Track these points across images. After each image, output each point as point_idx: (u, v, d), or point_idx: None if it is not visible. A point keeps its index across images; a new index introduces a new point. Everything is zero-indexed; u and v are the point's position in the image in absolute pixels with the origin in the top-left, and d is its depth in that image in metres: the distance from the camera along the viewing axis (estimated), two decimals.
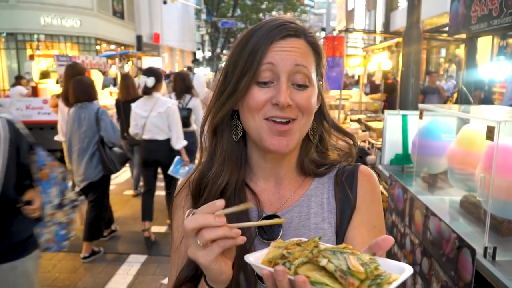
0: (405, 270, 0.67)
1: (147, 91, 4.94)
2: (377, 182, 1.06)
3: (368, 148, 5.66)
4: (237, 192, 1.00)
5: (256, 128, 0.95)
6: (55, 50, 20.70)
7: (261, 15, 34.80)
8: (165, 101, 5.02)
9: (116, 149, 4.64)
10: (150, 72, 5.03)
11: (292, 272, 0.68)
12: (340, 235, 0.99)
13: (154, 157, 4.98)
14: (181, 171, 4.93)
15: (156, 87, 4.95)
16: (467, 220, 2.73)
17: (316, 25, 60.89)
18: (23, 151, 2.28)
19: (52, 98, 6.53)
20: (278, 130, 0.92)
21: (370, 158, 5.17)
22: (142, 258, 4.60)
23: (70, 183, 6.40)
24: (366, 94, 10.29)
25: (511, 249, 2.35)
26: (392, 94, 9.96)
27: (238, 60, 0.94)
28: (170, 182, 5.07)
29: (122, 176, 8.04)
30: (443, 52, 16.15)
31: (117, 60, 15.72)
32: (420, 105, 3.42)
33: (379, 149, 4.62)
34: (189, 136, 5.43)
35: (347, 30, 12.24)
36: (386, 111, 4.36)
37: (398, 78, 6.38)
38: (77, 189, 4.61)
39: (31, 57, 12.88)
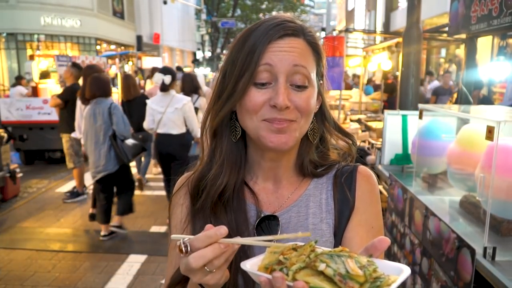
0: (403, 271, 0.67)
1: (165, 88, 5.21)
2: (376, 183, 1.05)
3: (368, 148, 5.65)
4: (235, 194, 0.99)
5: (254, 128, 0.94)
6: (55, 50, 20.69)
7: (261, 15, 34.76)
8: (180, 98, 5.35)
9: (129, 141, 4.97)
10: (166, 70, 5.37)
11: (290, 278, 0.67)
12: (338, 236, 0.99)
13: (167, 150, 5.24)
14: None
15: (171, 84, 5.25)
16: (467, 220, 2.73)
17: (316, 25, 60.83)
18: None
19: (53, 98, 6.52)
20: (276, 128, 0.91)
21: (370, 158, 5.17)
22: (142, 258, 4.60)
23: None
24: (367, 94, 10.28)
25: (511, 249, 2.35)
26: (392, 94, 9.96)
27: (236, 60, 0.93)
28: (170, 181, 5.16)
29: None
30: (443, 52, 16.15)
31: (117, 60, 15.72)
32: (420, 105, 3.42)
33: (379, 149, 4.62)
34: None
35: (347, 30, 12.23)
36: (386, 111, 4.36)
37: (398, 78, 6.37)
38: (91, 181, 5.18)
39: (31, 57, 12.88)
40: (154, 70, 8.83)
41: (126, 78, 6.66)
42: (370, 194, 1.02)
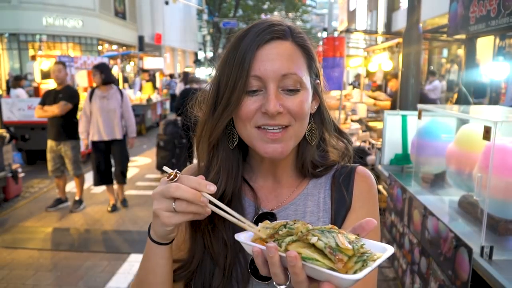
0: (387, 250, 0.72)
1: None
2: (374, 183, 1.06)
3: (369, 149, 5.67)
4: (233, 202, 1.00)
5: (248, 136, 0.95)
6: (57, 51, 20.73)
7: (263, 15, 34.76)
8: None
9: None
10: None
11: (283, 249, 0.70)
12: None
13: None
14: None
15: None
16: (466, 220, 2.74)
17: (318, 26, 60.81)
18: None
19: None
20: (270, 138, 0.92)
21: (370, 158, 5.18)
22: None
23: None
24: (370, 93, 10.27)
25: (508, 248, 2.36)
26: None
27: (228, 70, 0.93)
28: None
29: None
30: (445, 52, 16.12)
31: (119, 60, 15.72)
32: (419, 105, 3.43)
33: (379, 149, 4.63)
34: None
35: (348, 31, 12.24)
36: (386, 111, 4.37)
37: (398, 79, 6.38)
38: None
39: (33, 58, 12.90)
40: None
41: None
42: (367, 194, 1.03)
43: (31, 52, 20.14)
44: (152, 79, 16.12)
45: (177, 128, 7.63)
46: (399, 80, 5.86)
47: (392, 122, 4.22)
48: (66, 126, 5.92)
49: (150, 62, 18.10)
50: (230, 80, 0.92)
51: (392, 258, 3.71)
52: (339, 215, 1.00)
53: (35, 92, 9.61)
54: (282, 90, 0.91)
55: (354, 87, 12.12)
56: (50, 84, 9.53)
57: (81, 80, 10.44)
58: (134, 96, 13.75)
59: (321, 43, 8.78)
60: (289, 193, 1.04)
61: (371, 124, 7.02)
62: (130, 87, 14.82)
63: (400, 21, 17.77)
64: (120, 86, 12.49)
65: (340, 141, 1.09)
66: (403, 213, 3.35)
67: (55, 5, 21.22)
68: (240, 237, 0.78)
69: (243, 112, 0.92)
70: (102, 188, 7.25)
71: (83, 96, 10.14)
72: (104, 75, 5.82)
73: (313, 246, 0.69)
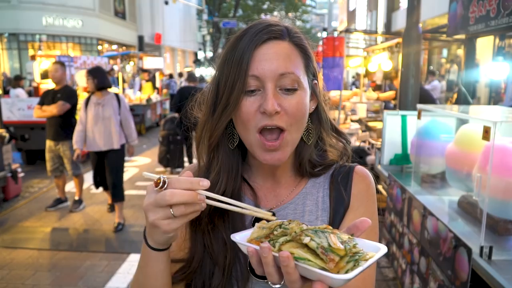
0: (380, 249, 0.73)
1: None
2: (372, 183, 1.06)
3: (368, 149, 5.67)
4: (234, 198, 0.99)
5: (248, 140, 0.95)
6: (57, 51, 20.73)
7: (262, 15, 34.74)
8: None
9: None
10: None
11: (277, 249, 0.72)
12: None
13: None
14: None
15: None
16: (465, 220, 2.75)
17: (317, 26, 60.84)
18: None
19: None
20: (269, 147, 0.93)
21: (370, 158, 5.18)
22: None
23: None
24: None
25: (507, 249, 2.36)
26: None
27: (226, 71, 0.94)
28: None
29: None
30: (445, 52, 16.13)
31: (118, 60, 15.72)
32: (418, 106, 3.44)
33: (379, 149, 4.63)
34: None
35: (347, 31, 12.23)
36: (385, 111, 4.37)
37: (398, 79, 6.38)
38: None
39: (33, 58, 12.91)
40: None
41: None
42: (365, 194, 1.03)
43: (30, 52, 20.14)
44: (152, 79, 16.10)
45: (173, 125, 7.83)
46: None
47: (391, 122, 4.23)
48: (65, 126, 5.90)
49: (149, 62, 18.10)
50: (229, 80, 0.92)
51: (391, 258, 3.72)
52: (337, 214, 1.01)
53: (35, 92, 9.61)
54: (280, 89, 0.92)
55: (356, 87, 12.13)
56: (49, 84, 9.54)
57: (81, 80, 10.44)
58: (134, 96, 13.75)
59: (320, 43, 8.79)
60: (288, 192, 1.05)
61: (370, 124, 7.02)
62: (130, 87, 14.80)
63: (400, 21, 17.79)
64: (120, 86, 12.53)
65: (339, 141, 1.10)
66: (403, 213, 3.35)
67: (54, 5, 21.21)
68: (235, 237, 0.79)
69: (244, 114, 0.92)
70: (101, 189, 7.26)
71: (83, 96, 10.18)
72: (97, 80, 5.37)
73: (306, 246, 0.70)
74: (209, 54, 38.32)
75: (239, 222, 0.98)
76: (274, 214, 1.01)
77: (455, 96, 7.41)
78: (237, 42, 0.94)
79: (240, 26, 32.53)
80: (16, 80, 11.63)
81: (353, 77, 21.40)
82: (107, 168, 5.51)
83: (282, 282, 0.73)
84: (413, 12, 5.14)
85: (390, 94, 8.61)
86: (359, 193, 1.02)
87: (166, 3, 28.05)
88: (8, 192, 6.42)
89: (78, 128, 5.46)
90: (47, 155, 5.98)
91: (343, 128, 6.44)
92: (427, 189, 3.42)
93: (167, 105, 16.50)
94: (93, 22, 22.75)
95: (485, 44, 7.25)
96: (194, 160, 1.11)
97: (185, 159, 8.30)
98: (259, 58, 0.91)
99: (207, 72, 29.69)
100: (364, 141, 6.13)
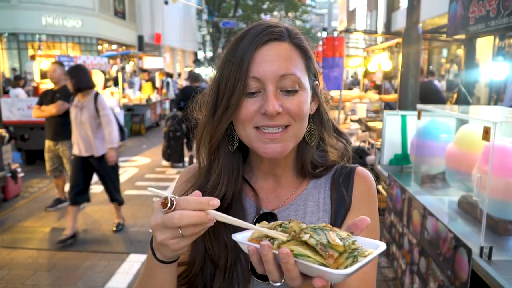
0: (379, 246, 0.74)
1: None
2: (374, 184, 1.06)
3: (368, 149, 5.67)
4: (234, 204, 1.00)
5: (247, 137, 0.95)
6: (56, 50, 20.74)
7: (262, 15, 34.72)
8: None
9: None
10: None
11: (276, 247, 0.73)
12: None
13: None
14: None
15: None
16: (465, 220, 2.74)
17: (317, 25, 60.85)
18: None
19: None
20: (269, 139, 0.92)
21: (370, 158, 5.18)
22: (143, 257, 4.62)
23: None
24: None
25: (507, 249, 2.36)
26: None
27: (227, 73, 0.93)
28: None
29: (123, 176, 8.07)
30: (444, 52, 16.14)
31: (118, 60, 15.73)
32: (418, 106, 3.43)
33: (379, 149, 4.63)
34: None
35: (347, 31, 12.23)
36: (385, 112, 4.37)
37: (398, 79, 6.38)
38: None
39: (33, 57, 12.91)
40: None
41: None
42: (366, 195, 1.03)
43: (30, 52, 20.16)
44: (153, 78, 16.11)
45: (173, 122, 8.22)
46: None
47: (391, 122, 4.22)
48: (64, 126, 5.84)
49: (149, 62, 18.10)
50: (229, 82, 0.92)
51: (391, 258, 3.72)
52: (338, 215, 1.01)
53: (34, 92, 9.60)
54: (281, 91, 0.92)
55: (355, 85, 12.14)
56: (49, 84, 9.53)
57: None
58: (134, 96, 13.76)
59: (320, 43, 8.78)
60: (289, 193, 1.05)
61: (370, 124, 7.01)
62: (129, 86, 14.80)
63: (400, 21, 17.79)
64: (120, 86, 12.52)
65: (339, 142, 1.10)
66: (403, 213, 3.35)
67: (54, 5, 21.21)
68: (236, 236, 0.79)
69: (243, 114, 0.92)
70: (102, 187, 7.25)
71: None
72: (74, 81, 4.95)
73: (305, 243, 0.71)
74: (209, 54, 38.31)
75: (241, 217, 0.98)
76: (275, 216, 1.02)
77: (455, 96, 7.40)
78: (237, 44, 0.94)
79: (240, 26, 32.56)
80: (15, 80, 11.63)
81: (352, 76, 21.42)
82: (99, 176, 5.23)
83: (283, 280, 0.73)
84: (413, 12, 5.14)
85: (394, 96, 8.59)
86: (360, 194, 1.03)
87: (166, 3, 28.05)
88: (8, 192, 6.41)
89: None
90: (46, 155, 5.98)
91: (343, 128, 6.43)
92: (427, 189, 3.42)
93: (167, 105, 16.51)
94: (93, 22, 22.76)
95: (485, 44, 7.25)
96: (194, 160, 1.10)
97: (186, 153, 8.76)
98: (259, 59, 0.91)
99: (207, 72, 29.68)
100: (364, 141, 6.13)
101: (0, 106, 8.35)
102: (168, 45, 33.75)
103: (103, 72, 11.24)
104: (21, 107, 8.43)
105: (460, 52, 12.25)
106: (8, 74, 18.70)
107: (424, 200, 3.03)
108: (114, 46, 25.77)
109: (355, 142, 6.09)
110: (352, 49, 15.06)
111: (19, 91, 10.64)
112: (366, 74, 11.16)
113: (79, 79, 4.96)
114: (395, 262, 3.57)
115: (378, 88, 11.02)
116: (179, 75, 21.52)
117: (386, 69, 9.02)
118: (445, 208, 3.05)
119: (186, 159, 8.90)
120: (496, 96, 7.07)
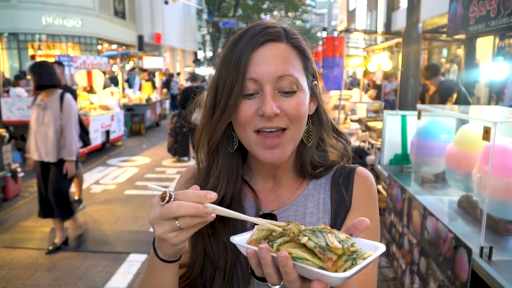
0: (379, 248, 0.73)
1: None
2: (374, 184, 1.06)
3: (368, 149, 5.67)
4: (233, 205, 1.00)
5: (247, 141, 0.95)
6: (56, 50, 20.73)
7: (262, 15, 34.71)
8: None
9: None
10: None
11: (275, 250, 0.72)
12: None
13: None
14: None
15: None
16: (465, 220, 2.74)
17: (317, 25, 60.85)
18: None
19: None
20: (269, 144, 0.92)
21: (370, 158, 5.18)
22: (142, 257, 4.62)
23: None
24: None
25: (507, 249, 2.36)
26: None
27: (224, 74, 0.93)
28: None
29: (123, 176, 8.07)
30: (444, 52, 16.13)
31: (118, 60, 15.72)
32: (418, 106, 3.44)
33: (379, 149, 4.63)
34: None
35: (347, 31, 12.22)
36: (385, 111, 4.37)
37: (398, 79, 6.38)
38: None
39: (33, 57, 12.89)
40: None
41: None
42: (367, 195, 1.03)
43: (30, 52, 20.14)
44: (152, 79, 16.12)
45: (179, 118, 8.72)
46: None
47: (391, 122, 4.22)
48: None
49: (149, 62, 18.10)
50: (227, 83, 0.92)
51: (391, 258, 3.71)
52: (339, 215, 1.00)
53: (34, 91, 9.58)
54: (279, 92, 0.91)
55: (358, 85, 12.14)
56: None
57: (81, 79, 10.44)
58: (134, 96, 13.76)
59: (320, 43, 8.78)
60: (289, 194, 1.04)
61: (370, 124, 7.01)
62: (129, 86, 14.79)
63: (400, 21, 17.78)
64: (120, 86, 12.51)
65: (339, 142, 1.09)
66: (403, 213, 3.35)
67: (54, 5, 21.19)
68: (235, 239, 0.79)
69: (241, 116, 0.92)
70: (102, 187, 7.28)
71: (83, 96, 10.19)
72: (36, 78, 4.54)
73: (304, 246, 0.70)
74: (209, 54, 38.30)
75: (240, 225, 0.97)
76: (275, 216, 1.02)
77: (455, 96, 7.39)
78: (235, 45, 0.94)
79: (240, 25, 32.56)
80: (16, 79, 11.63)
81: (350, 76, 21.42)
82: (48, 187, 4.72)
83: (282, 283, 0.73)
84: (413, 12, 5.14)
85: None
86: (360, 194, 1.02)
87: (166, 2, 28.05)
88: (8, 192, 6.42)
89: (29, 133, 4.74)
90: None
91: (343, 128, 6.44)
92: (427, 189, 3.42)
93: (166, 104, 16.50)
94: (93, 21, 22.74)
95: (485, 44, 7.24)
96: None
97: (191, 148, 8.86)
98: (256, 61, 0.91)
99: (207, 72, 29.69)
100: (364, 141, 6.13)
101: (0, 106, 8.35)
102: (168, 45, 33.73)
103: (103, 72, 11.25)
104: (21, 107, 8.44)
105: (460, 52, 12.24)
106: (8, 74, 18.69)
107: (424, 200, 3.03)
108: (114, 46, 25.75)
109: (355, 142, 6.08)
110: (352, 49, 15.05)
111: (20, 91, 10.64)
112: (366, 74, 11.16)
113: (41, 76, 4.54)
114: (395, 262, 3.57)
115: (378, 88, 11.03)
116: (178, 74, 21.52)
117: (386, 69, 9.01)
118: (445, 208, 3.05)
119: (192, 154, 9.00)
120: (496, 96, 7.07)
